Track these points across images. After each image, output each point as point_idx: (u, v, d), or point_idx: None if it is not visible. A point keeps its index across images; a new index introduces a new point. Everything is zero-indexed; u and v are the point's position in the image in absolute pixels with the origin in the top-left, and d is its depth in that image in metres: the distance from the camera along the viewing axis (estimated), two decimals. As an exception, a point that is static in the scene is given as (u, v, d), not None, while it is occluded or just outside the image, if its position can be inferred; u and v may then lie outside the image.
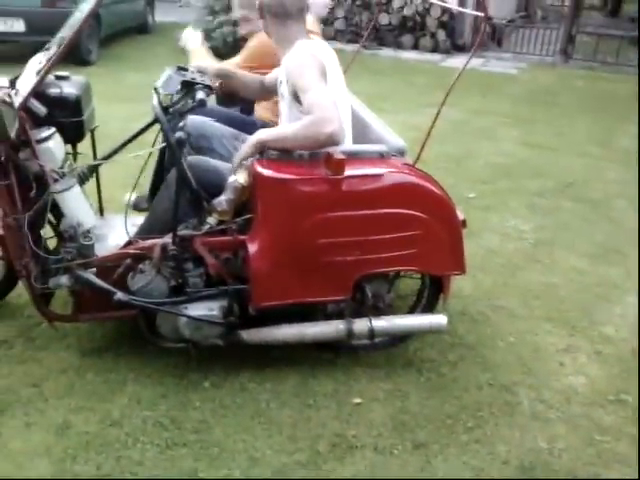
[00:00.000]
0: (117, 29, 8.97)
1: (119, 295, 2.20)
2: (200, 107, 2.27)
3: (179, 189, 2.20)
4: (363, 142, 2.48)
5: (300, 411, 2.22)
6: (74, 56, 7.31)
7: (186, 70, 2.38)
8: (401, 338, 2.58)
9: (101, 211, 2.89)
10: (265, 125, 2.78)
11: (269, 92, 2.70)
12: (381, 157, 2.31)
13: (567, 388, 2.40)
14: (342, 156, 2.14)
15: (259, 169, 2.14)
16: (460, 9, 2.40)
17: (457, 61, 9.03)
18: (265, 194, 2.18)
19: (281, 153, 2.17)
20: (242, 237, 2.24)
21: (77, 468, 1.95)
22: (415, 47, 9.72)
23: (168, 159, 2.60)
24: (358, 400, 2.28)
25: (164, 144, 2.34)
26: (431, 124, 2.18)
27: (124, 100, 5.60)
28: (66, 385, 2.29)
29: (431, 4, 8.99)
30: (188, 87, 2.30)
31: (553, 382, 2.43)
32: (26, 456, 1.99)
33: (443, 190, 2.36)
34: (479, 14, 2.31)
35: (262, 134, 2.19)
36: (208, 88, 2.32)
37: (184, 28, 8.79)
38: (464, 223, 2.47)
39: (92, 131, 2.69)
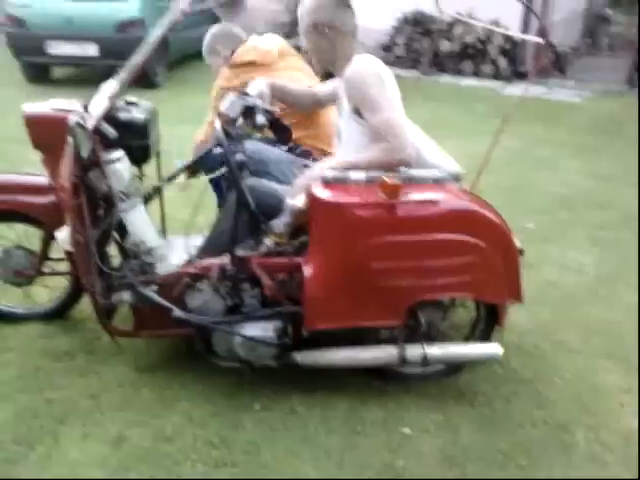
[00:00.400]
0: (185, 54, 9.29)
1: (177, 312, 2.27)
2: (260, 130, 2.33)
3: (238, 210, 2.26)
4: (418, 167, 2.48)
5: (349, 438, 2.22)
6: (143, 79, 7.62)
7: (248, 95, 2.45)
8: (454, 369, 2.54)
9: (163, 231, 3.00)
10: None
11: (320, 104, 2.77)
12: (437, 182, 2.31)
13: (627, 430, 2.31)
14: (397, 181, 2.15)
15: (316, 193, 2.18)
16: (521, 36, 2.38)
17: (518, 89, 8.91)
18: (321, 217, 2.21)
19: (338, 177, 2.20)
20: (298, 259, 2.27)
21: (130, 481, 2.00)
22: (475, 74, 9.65)
23: (228, 181, 2.67)
24: (408, 430, 2.26)
25: (225, 167, 2.40)
26: (487, 152, 2.17)
27: (188, 122, 5.75)
28: (122, 399, 2.37)
29: (493, 31, 8.95)
30: (249, 112, 2.36)
31: (612, 423, 2.34)
32: (83, 466, 2.06)
33: (500, 217, 2.34)
34: (540, 40, 2.29)
35: (333, 164, 2.23)
36: (270, 113, 2.38)
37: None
38: (521, 252, 2.44)
39: (157, 153, 2.80)
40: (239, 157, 2.18)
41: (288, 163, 2.68)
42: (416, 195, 2.22)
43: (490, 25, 9.04)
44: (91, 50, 7.43)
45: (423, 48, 9.83)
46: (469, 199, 2.32)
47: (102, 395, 2.38)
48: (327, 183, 2.21)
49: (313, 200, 2.18)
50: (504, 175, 5.08)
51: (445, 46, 9.70)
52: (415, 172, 2.33)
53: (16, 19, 7.57)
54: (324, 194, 2.18)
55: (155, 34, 2.27)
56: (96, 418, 2.27)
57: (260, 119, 2.30)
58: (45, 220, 2.56)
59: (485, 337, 2.50)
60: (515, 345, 2.78)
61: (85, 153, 2.17)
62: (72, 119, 2.12)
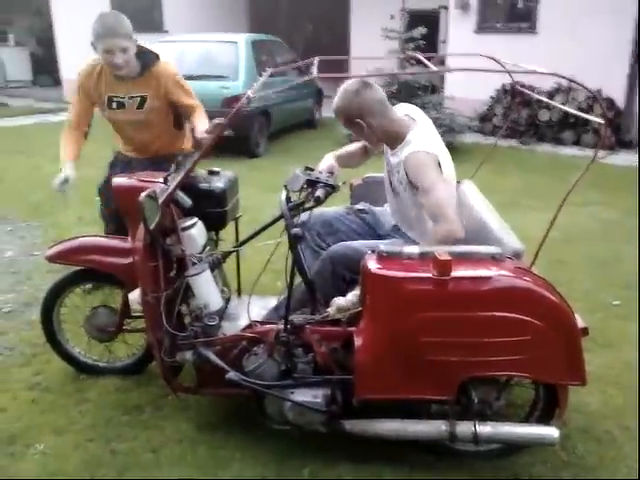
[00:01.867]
0: (286, 125, 9.82)
1: (231, 374, 2.39)
2: (317, 204, 2.46)
3: (292, 279, 2.37)
4: (481, 242, 2.49)
5: (393, 511, 2.21)
6: (244, 149, 8.15)
7: (312, 170, 2.61)
8: (509, 450, 2.47)
9: (239, 291, 3.18)
10: None
11: (368, 155, 3.00)
12: (493, 259, 2.31)
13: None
14: (448, 257, 2.18)
15: (369, 265, 2.25)
16: (580, 114, 2.36)
17: (621, 158, 8.61)
18: (374, 290, 2.26)
19: (392, 251, 2.28)
20: (351, 329, 2.33)
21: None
22: (576, 143, 9.44)
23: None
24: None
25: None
26: (550, 224, 2.13)
27: (279, 189, 6.07)
28: (180, 455, 2.49)
29: (594, 100, 8.76)
30: (311, 185, 2.51)
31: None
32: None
33: (559, 295, 2.28)
34: (600, 121, 2.27)
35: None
36: (330, 187, 2.51)
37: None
38: (585, 331, 2.35)
39: (236, 220, 3.01)
40: (295, 230, 2.31)
41: (344, 214, 2.89)
42: (469, 272, 2.23)
43: (592, 93, 8.88)
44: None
45: (521, 118, 9.77)
46: (525, 277, 2.28)
47: (162, 449, 2.51)
48: (381, 256, 2.28)
49: (367, 272, 2.25)
50: (593, 247, 4.91)
51: (544, 116, 9.61)
52: (472, 248, 2.35)
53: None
54: (377, 267, 2.25)
55: (230, 115, 2.47)
56: (153, 473, 2.39)
57: (318, 192, 2.44)
58: (126, 280, 2.78)
59: (544, 419, 2.41)
60: (582, 429, 2.65)
61: (152, 224, 2.36)
62: (142, 193, 2.32)
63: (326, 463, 2.44)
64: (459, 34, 10.81)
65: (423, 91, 8.77)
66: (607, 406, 2.83)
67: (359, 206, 2.99)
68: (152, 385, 2.95)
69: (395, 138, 2.58)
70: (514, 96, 9.77)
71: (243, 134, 7.86)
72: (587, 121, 9.37)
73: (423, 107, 8.51)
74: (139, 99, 3.30)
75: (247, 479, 2.37)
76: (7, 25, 16.39)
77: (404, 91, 8.53)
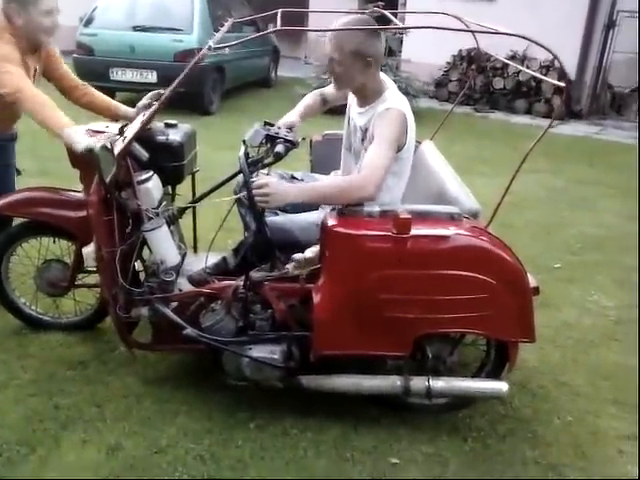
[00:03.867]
0: (240, 83, 9.62)
1: (188, 330, 2.37)
2: (277, 160, 2.43)
3: (255, 238, 2.36)
4: (439, 202, 2.52)
5: (336, 463, 2.26)
6: (197, 106, 7.96)
7: (272, 125, 2.56)
8: (459, 405, 2.55)
9: (195, 248, 3.14)
10: None
11: (326, 104, 2.94)
12: (452, 219, 2.33)
13: (622, 477, 2.26)
14: (408, 215, 2.20)
15: (329, 222, 2.25)
16: (541, 77, 2.39)
17: (571, 128, 8.83)
18: (333, 247, 2.27)
19: (353, 209, 2.28)
20: (309, 286, 2.34)
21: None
22: (528, 112, 9.61)
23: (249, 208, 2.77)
24: (395, 460, 2.28)
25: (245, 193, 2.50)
26: (505, 189, 2.18)
27: (233, 148, 5.97)
28: (125, 409, 2.47)
29: (548, 70, 8.91)
30: (271, 141, 2.47)
31: (608, 469, 2.29)
32: (77, 470, 2.16)
33: (514, 255, 2.33)
34: (560, 84, 2.30)
35: (297, 195, 2.29)
36: (290, 143, 2.47)
37: (303, 84, 9.26)
38: (536, 290, 2.43)
39: (193, 175, 2.95)
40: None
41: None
42: (427, 230, 2.26)
43: (538, 65, 9.02)
44: (150, 77, 7.84)
45: (476, 85, 9.86)
46: (482, 237, 2.33)
47: (106, 404, 2.49)
48: (341, 214, 2.28)
49: (326, 229, 2.25)
50: (539, 213, 5.06)
51: (499, 83, 9.72)
52: (431, 207, 2.37)
53: (85, 46, 8.09)
54: (337, 224, 2.25)
55: (187, 67, 2.40)
56: (97, 426, 2.37)
57: (278, 148, 2.40)
58: (79, 234, 2.70)
59: (494, 374, 2.49)
60: (519, 383, 2.75)
61: (108, 176, 2.29)
62: (97, 144, 2.25)
63: (273, 417, 2.47)
64: (419, -3, 10.74)
65: (381, 53, 8.70)
66: (543, 363, 2.94)
67: (296, 174, 2.95)
68: (98, 341, 2.90)
69: (371, 95, 2.48)
70: (471, 62, 9.84)
71: (196, 90, 7.63)
72: (539, 91, 9.55)
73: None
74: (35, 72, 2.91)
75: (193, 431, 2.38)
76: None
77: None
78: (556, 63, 9.14)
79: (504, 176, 2.13)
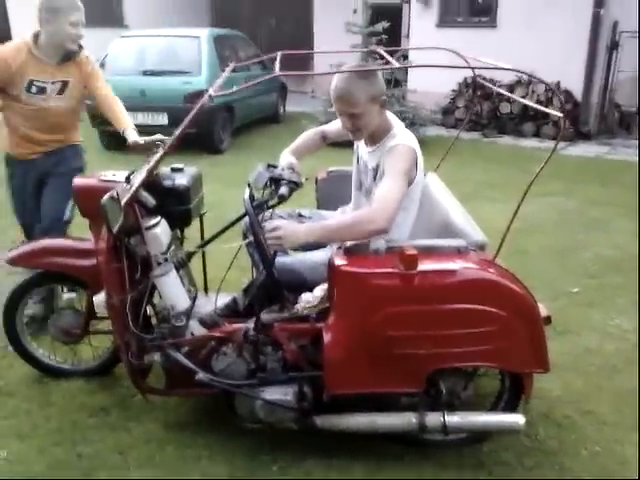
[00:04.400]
0: (249, 120, 9.75)
1: (201, 375, 2.38)
2: (281, 201, 2.44)
3: (264, 280, 2.37)
4: (444, 235, 2.53)
5: (363, 503, 2.23)
6: (208, 145, 8.09)
7: (275, 167, 2.59)
8: (477, 438, 2.51)
9: (205, 289, 3.16)
10: None
11: (327, 141, 2.95)
12: (458, 252, 2.34)
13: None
14: (414, 251, 2.20)
15: (336, 262, 2.26)
16: (539, 107, 2.40)
17: (580, 149, 8.80)
18: (341, 286, 2.27)
19: (359, 246, 2.29)
20: (319, 325, 2.34)
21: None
22: (537, 135, 9.61)
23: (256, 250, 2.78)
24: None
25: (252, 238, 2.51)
26: (512, 216, 2.17)
27: (243, 185, 6.03)
28: (148, 456, 2.47)
29: (553, 93, 8.92)
30: (275, 183, 2.50)
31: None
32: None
33: (523, 286, 2.32)
34: (559, 114, 2.31)
35: (308, 234, 2.26)
36: (294, 184, 2.49)
37: (310, 118, 9.31)
38: (548, 320, 2.41)
39: (201, 217, 2.98)
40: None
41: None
42: (434, 265, 2.26)
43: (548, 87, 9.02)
44: (161, 119, 7.96)
45: (483, 111, 9.91)
46: (489, 269, 2.32)
47: (129, 451, 2.49)
48: (347, 252, 2.29)
49: (334, 269, 2.26)
50: (553, 237, 5.03)
51: (505, 108, 9.76)
52: (438, 242, 2.38)
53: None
54: (344, 263, 2.25)
55: (190, 114, 2.44)
56: (121, 474, 2.37)
57: (282, 190, 2.42)
58: (90, 282, 2.73)
59: (511, 407, 2.47)
60: (543, 414, 2.72)
61: (115, 226, 2.31)
62: (105, 196, 2.27)
63: (296, 458, 2.45)
64: (421, 28, 10.89)
65: (386, 84, 8.79)
66: (567, 391, 2.90)
67: (303, 212, 2.96)
68: (118, 386, 2.92)
69: (380, 133, 2.50)
70: (476, 89, 9.90)
71: (206, 130, 7.78)
72: (547, 113, 9.54)
73: (386, 100, 8.57)
74: (61, 84, 3.24)
75: (216, 479, 2.36)
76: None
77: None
78: (562, 86, 9.18)
79: (514, 201, 2.12)
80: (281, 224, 2.26)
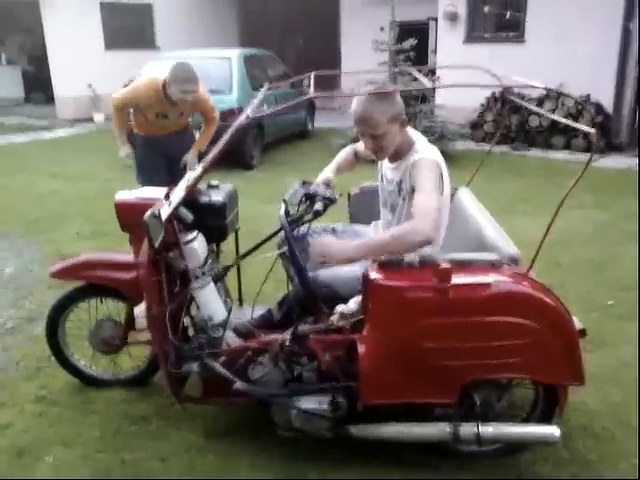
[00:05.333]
0: (279, 137, 9.89)
1: (238, 384, 2.44)
2: (316, 217, 2.51)
3: (299, 292, 2.43)
4: (478, 249, 2.55)
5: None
6: (239, 161, 8.23)
7: (310, 183, 2.65)
8: (512, 450, 2.52)
9: (240, 301, 3.23)
10: None
11: (358, 159, 3.06)
12: (492, 266, 2.36)
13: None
14: (448, 265, 2.23)
15: (371, 275, 2.30)
16: (569, 122, 2.41)
17: (612, 161, 8.72)
18: (376, 298, 2.31)
19: (392, 260, 2.33)
20: (354, 336, 2.38)
21: None
22: (567, 147, 9.55)
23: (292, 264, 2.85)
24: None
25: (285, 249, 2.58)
26: (546, 230, 2.18)
27: (274, 201, 6.13)
28: (188, 463, 2.53)
29: (583, 107, 8.88)
30: (310, 199, 2.56)
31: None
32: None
33: (557, 298, 2.33)
34: (591, 131, 2.33)
35: (357, 251, 2.31)
36: (328, 200, 2.55)
37: (339, 133, 9.39)
38: (583, 332, 2.41)
39: (236, 232, 3.06)
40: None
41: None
42: (468, 279, 2.29)
43: (579, 99, 8.97)
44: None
45: (512, 124, 9.89)
46: (523, 282, 2.34)
47: (171, 458, 2.56)
48: (382, 265, 2.33)
49: (368, 282, 2.30)
50: (588, 249, 5.00)
51: (535, 121, 9.72)
52: (471, 256, 2.40)
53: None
54: (378, 277, 2.29)
55: (227, 134, 2.52)
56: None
57: (317, 206, 2.49)
58: (130, 294, 2.82)
59: (545, 419, 2.47)
60: (582, 426, 2.71)
61: (157, 241, 2.39)
62: (147, 213, 2.36)
63: (334, 467, 2.48)
64: (448, 44, 10.95)
65: (415, 100, 8.87)
66: (605, 404, 2.88)
67: (337, 227, 3.01)
68: (157, 395, 2.99)
69: (404, 149, 2.55)
70: (504, 103, 9.89)
71: (237, 147, 7.91)
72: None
73: (415, 116, 8.63)
74: (179, 113, 4.48)
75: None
76: (-1, 44, 16.49)
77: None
78: (592, 98, 9.13)
79: (546, 214, 2.14)
80: (329, 241, 2.32)
